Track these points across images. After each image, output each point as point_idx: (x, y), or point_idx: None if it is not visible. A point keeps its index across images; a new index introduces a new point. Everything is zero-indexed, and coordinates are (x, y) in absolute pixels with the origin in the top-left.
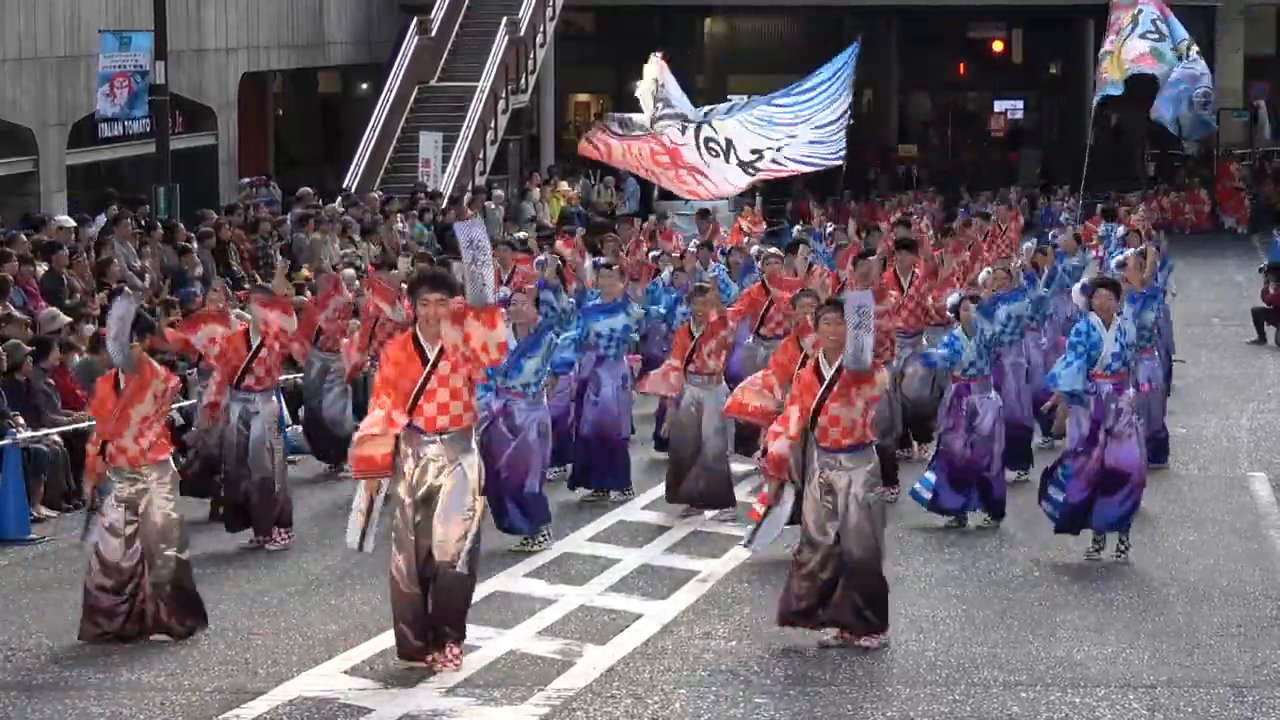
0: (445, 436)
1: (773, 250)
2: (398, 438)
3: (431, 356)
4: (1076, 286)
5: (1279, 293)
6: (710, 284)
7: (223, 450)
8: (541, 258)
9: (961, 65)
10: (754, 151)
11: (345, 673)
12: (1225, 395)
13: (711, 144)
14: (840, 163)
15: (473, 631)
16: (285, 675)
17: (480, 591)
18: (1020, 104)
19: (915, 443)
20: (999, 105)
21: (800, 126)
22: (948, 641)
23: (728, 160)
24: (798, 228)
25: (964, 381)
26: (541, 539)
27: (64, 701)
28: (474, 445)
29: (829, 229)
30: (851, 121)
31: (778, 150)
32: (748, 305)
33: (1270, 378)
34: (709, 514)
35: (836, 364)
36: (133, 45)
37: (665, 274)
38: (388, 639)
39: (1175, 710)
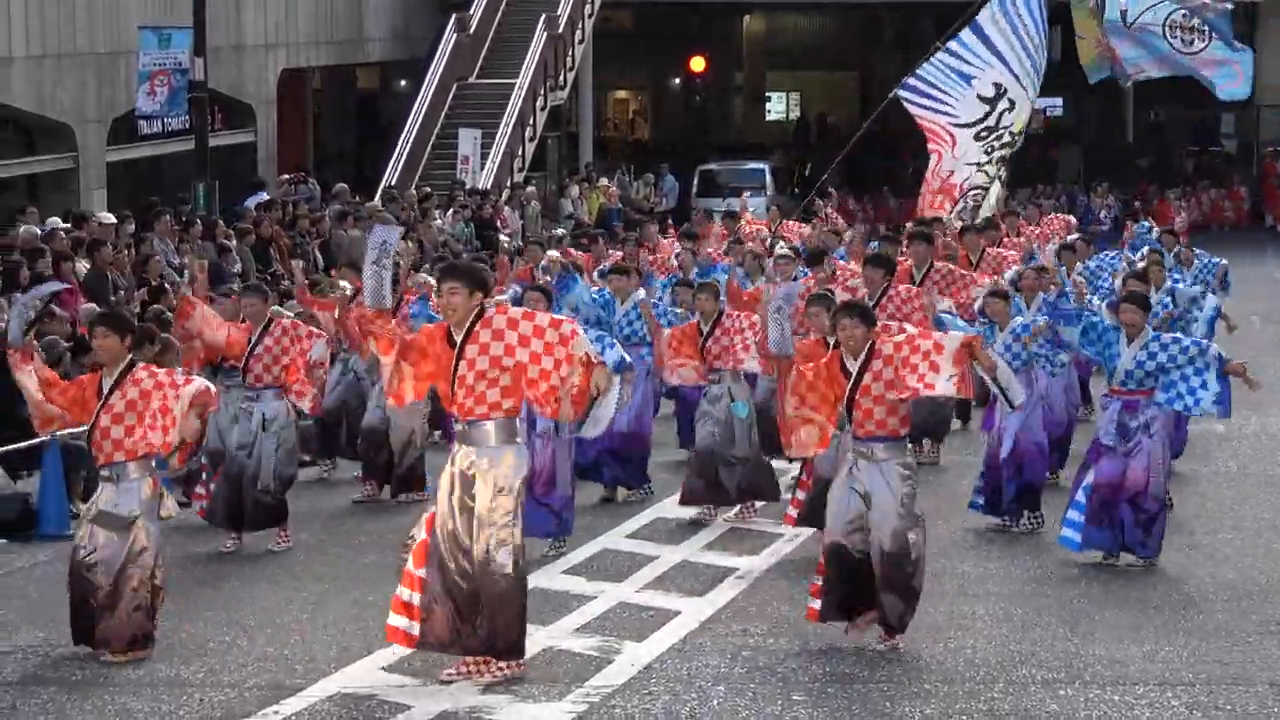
0: (471, 424)
1: (783, 252)
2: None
3: (459, 341)
4: (1104, 304)
5: None
6: (713, 282)
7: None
8: (544, 262)
9: None
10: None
11: (383, 669)
12: (1264, 393)
13: None
14: None
15: None
16: (323, 672)
17: None
18: (1059, 101)
19: (925, 440)
20: (1038, 102)
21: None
22: (986, 639)
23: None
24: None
25: None
26: (558, 547)
27: (103, 698)
28: (514, 434)
29: (848, 235)
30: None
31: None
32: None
33: None
34: (727, 513)
35: (861, 359)
36: (172, 42)
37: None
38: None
39: (1214, 708)
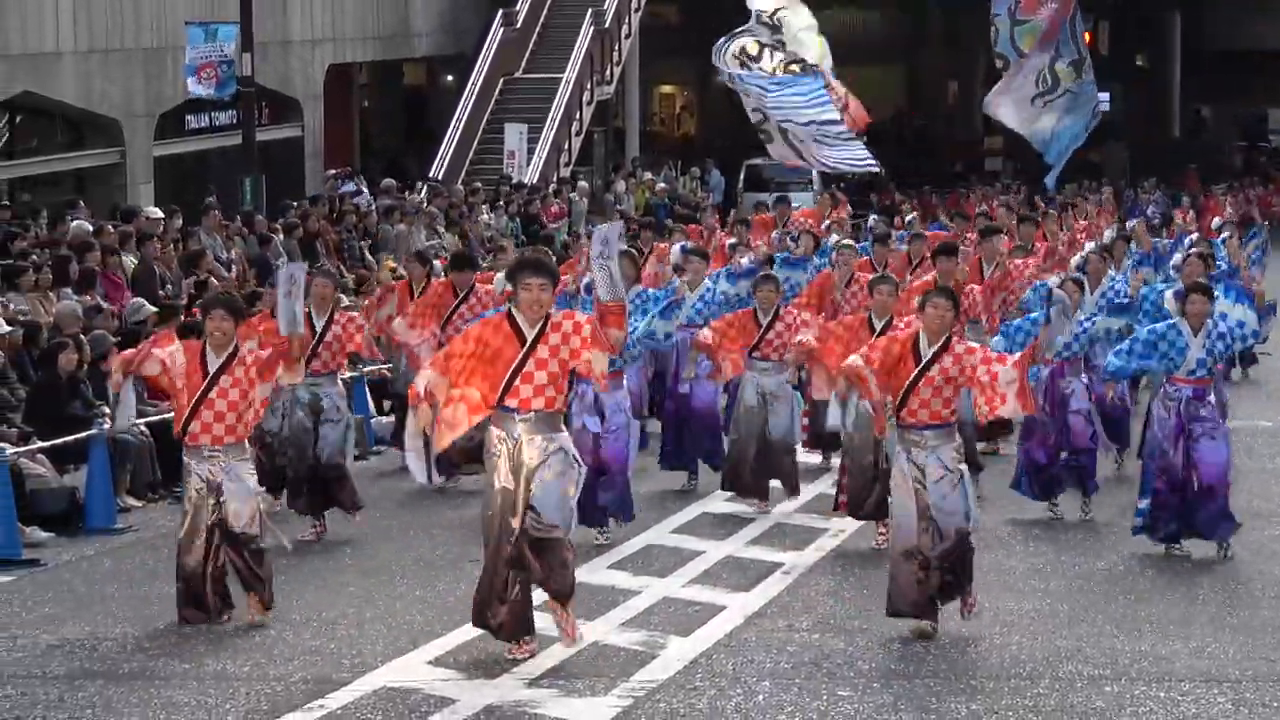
0: (537, 415)
1: (846, 241)
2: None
3: (530, 337)
4: (1170, 292)
5: None
6: (775, 275)
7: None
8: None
9: None
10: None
11: (429, 663)
12: None
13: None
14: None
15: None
16: (369, 665)
17: None
18: (1106, 96)
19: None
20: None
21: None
22: (1032, 635)
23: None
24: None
25: (1057, 365)
26: (604, 533)
27: (150, 690)
28: (563, 426)
29: (910, 218)
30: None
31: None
32: (814, 295)
33: None
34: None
35: (936, 346)
36: (219, 37)
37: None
38: (472, 630)
39: (1261, 705)
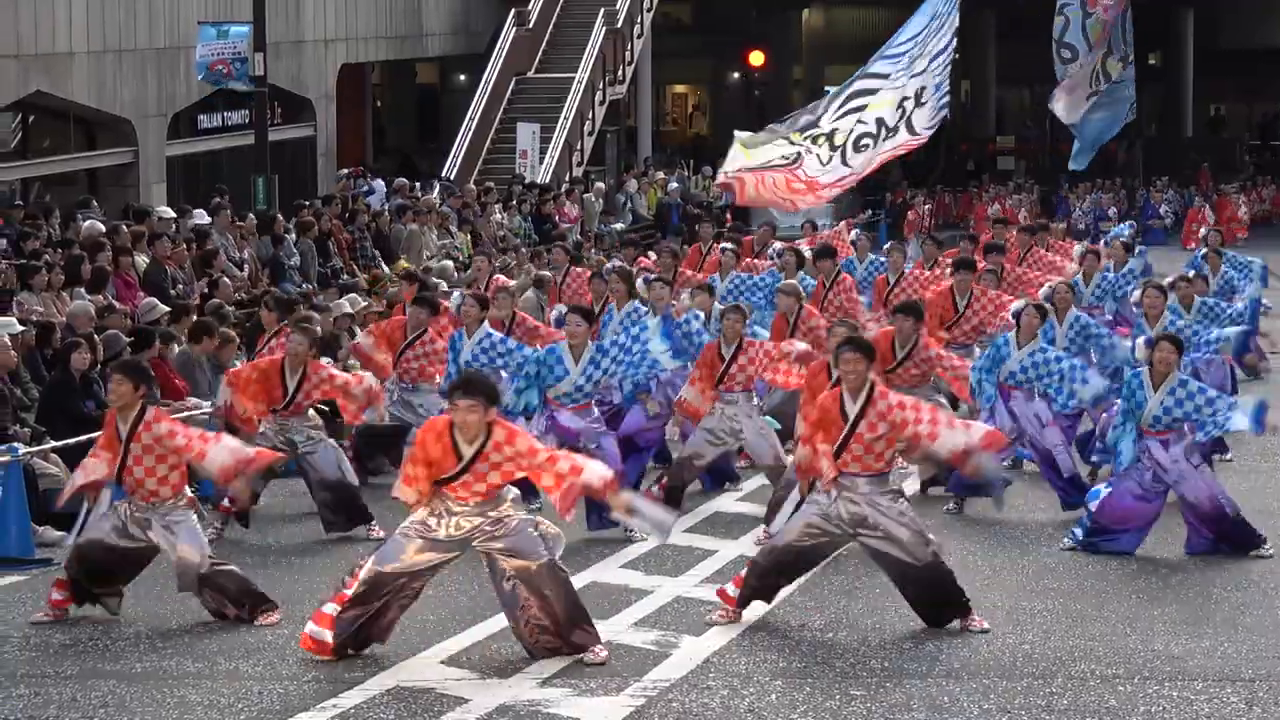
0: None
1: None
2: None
3: (467, 457)
4: (1141, 339)
5: None
6: (743, 304)
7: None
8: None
9: None
10: (864, 138)
11: (442, 663)
12: None
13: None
14: (944, 114)
15: None
16: (382, 665)
17: (577, 583)
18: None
19: None
20: None
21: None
22: (1044, 634)
23: (844, 160)
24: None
25: (1007, 389)
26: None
27: (163, 690)
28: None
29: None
30: (948, 95)
31: (883, 135)
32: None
33: None
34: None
35: (860, 402)
36: (231, 36)
37: (685, 296)
38: (485, 629)
39: (1274, 704)
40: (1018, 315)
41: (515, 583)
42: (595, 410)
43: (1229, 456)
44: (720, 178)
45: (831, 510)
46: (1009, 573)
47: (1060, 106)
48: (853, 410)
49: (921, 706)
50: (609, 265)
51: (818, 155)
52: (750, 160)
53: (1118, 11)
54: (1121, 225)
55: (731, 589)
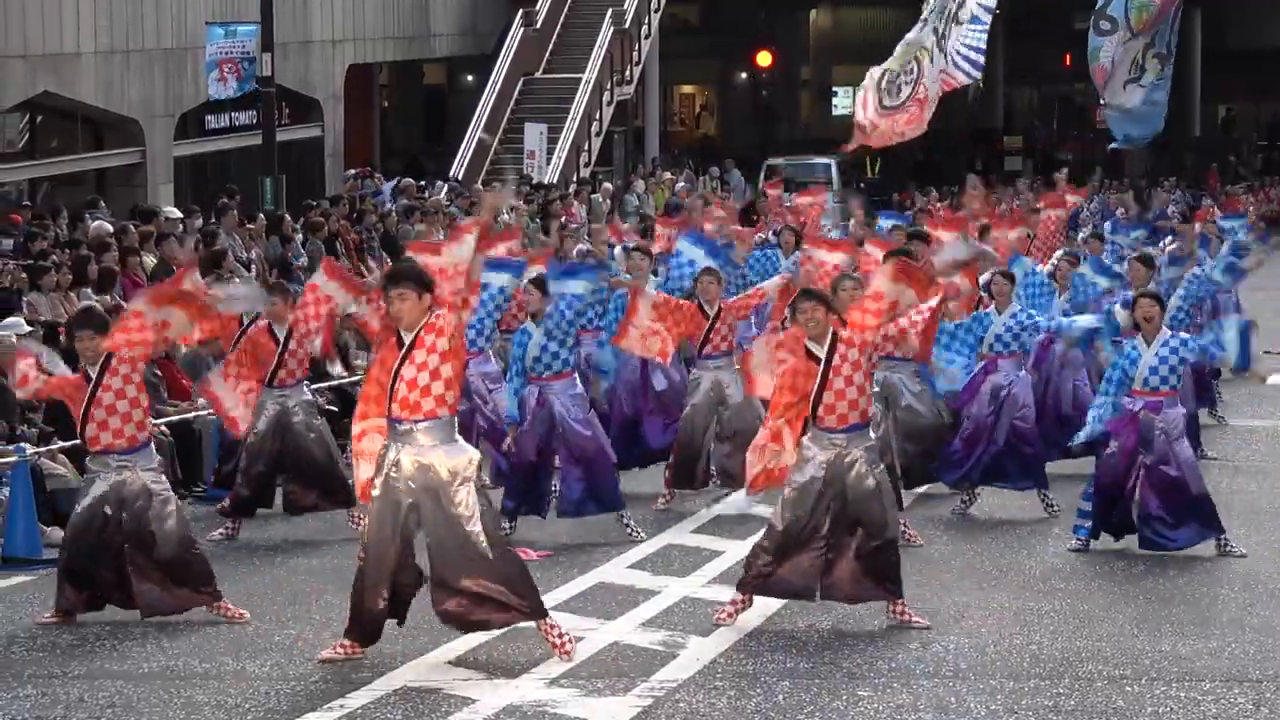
0: (424, 424)
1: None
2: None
3: (407, 342)
4: (1117, 305)
5: None
6: (717, 268)
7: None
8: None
9: (1067, 57)
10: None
11: (450, 663)
12: None
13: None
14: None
15: (576, 623)
16: (390, 665)
17: (584, 583)
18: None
19: None
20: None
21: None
22: (1052, 635)
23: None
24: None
25: (991, 358)
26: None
27: (170, 690)
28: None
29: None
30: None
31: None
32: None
33: None
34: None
35: (825, 346)
36: (239, 37)
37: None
38: (491, 630)
39: None
40: (988, 287)
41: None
42: (578, 384)
43: (1213, 455)
44: (857, 115)
45: (805, 478)
46: (1015, 573)
47: (1102, 83)
48: (821, 352)
49: (928, 707)
50: (628, 244)
51: (930, 57)
52: (880, 97)
53: (1172, 4)
54: (1135, 230)
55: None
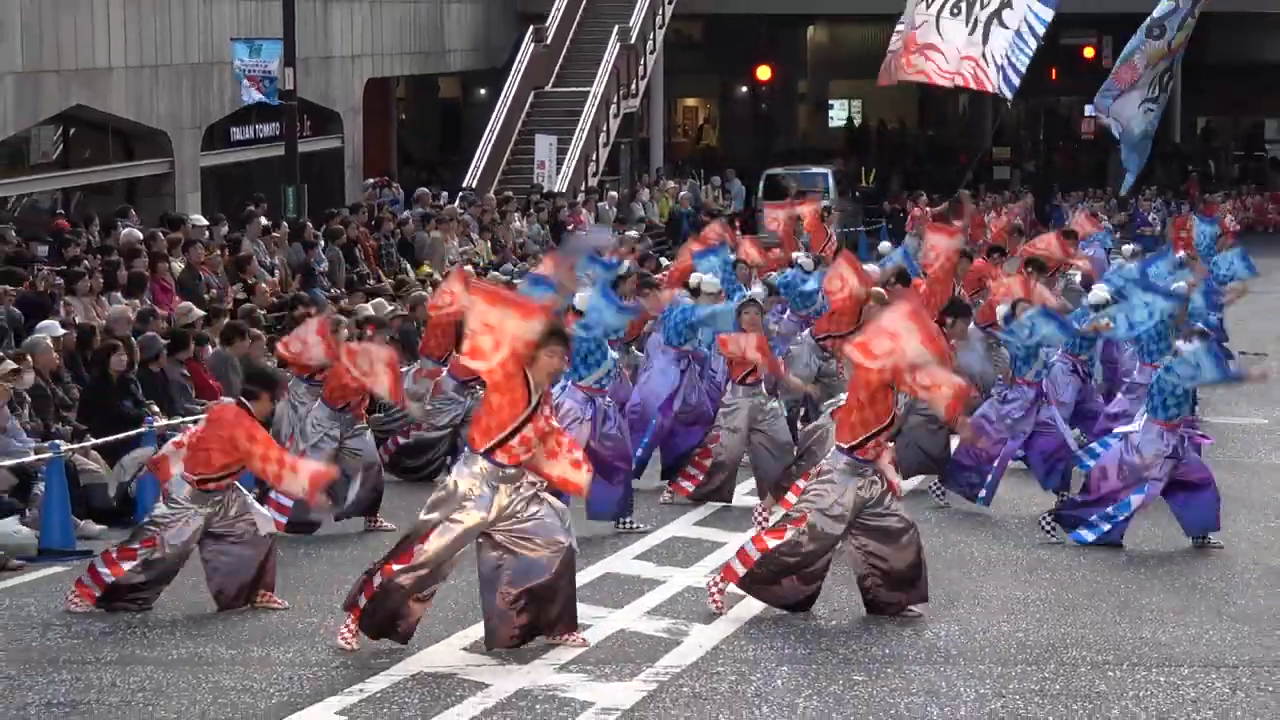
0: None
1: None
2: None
3: (535, 398)
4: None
5: None
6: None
7: None
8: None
9: (1053, 70)
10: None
11: (464, 649)
12: None
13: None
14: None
15: (585, 611)
16: (406, 651)
17: (592, 573)
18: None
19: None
20: (1090, 109)
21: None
22: (1038, 622)
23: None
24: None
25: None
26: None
27: (198, 675)
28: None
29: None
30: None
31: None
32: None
33: None
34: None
35: None
36: (263, 52)
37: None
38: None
39: (1256, 689)
40: (1008, 318)
41: (501, 561)
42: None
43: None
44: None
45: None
46: (1003, 564)
47: (1117, 106)
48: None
49: (920, 690)
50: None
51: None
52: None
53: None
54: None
55: (739, 567)
